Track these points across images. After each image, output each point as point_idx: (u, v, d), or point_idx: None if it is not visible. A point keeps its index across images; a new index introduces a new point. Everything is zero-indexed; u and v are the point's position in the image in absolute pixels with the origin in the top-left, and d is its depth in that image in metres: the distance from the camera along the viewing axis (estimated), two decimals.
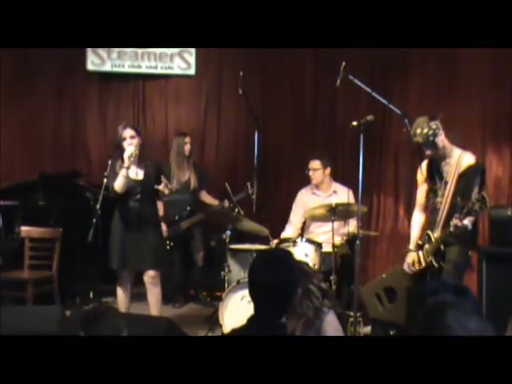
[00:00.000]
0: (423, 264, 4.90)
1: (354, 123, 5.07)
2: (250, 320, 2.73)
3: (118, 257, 5.59)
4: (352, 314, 5.36)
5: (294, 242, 5.87)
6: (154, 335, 4.07)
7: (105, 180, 5.45)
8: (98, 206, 5.39)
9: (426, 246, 4.88)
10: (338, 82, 5.44)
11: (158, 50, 8.06)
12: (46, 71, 8.05)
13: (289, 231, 6.60)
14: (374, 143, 6.97)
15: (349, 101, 7.35)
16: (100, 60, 8.10)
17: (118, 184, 5.45)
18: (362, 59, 6.62)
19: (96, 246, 5.49)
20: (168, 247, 6.97)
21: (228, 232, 6.23)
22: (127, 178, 5.46)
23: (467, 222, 4.51)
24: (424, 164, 5.07)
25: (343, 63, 5.37)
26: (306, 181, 6.64)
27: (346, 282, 6.02)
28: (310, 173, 6.48)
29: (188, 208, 7.18)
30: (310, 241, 5.94)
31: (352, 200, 6.04)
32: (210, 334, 5.92)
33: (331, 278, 5.58)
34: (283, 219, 6.80)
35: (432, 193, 5.01)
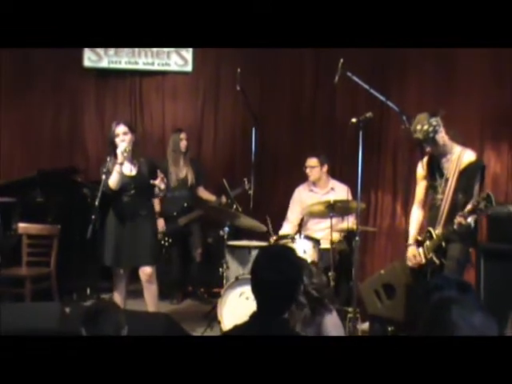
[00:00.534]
0: (423, 260, 4.91)
1: (354, 120, 5.08)
2: (253, 316, 2.73)
3: (112, 253, 5.59)
4: (350, 310, 5.39)
5: (293, 239, 5.87)
6: (153, 331, 4.09)
7: (103, 176, 5.44)
8: (96, 203, 5.38)
9: (427, 242, 4.88)
10: (337, 78, 5.44)
11: None
12: (43, 68, 8.03)
13: (286, 228, 6.61)
14: (372, 140, 6.96)
15: (347, 98, 7.36)
16: (97, 56, 8.08)
17: (113, 180, 5.46)
18: (360, 56, 6.61)
19: (95, 242, 5.50)
20: (166, 244, 6.99)
21: (226, 228, 6.22)
22: (121, 174, 5.47)
23: (471, 219, 4.52)
24: (424, 160, 5.08)
25: (341, 60, 5.38)
26: (303, 178, 6.65)
27: (345, 279, 6.05)
28: (308, 170, 6.49)
29: (185, 204, 7.18)
30: (308, 237, 5.94)
31: (350, 197, 6.06)
32: (208, 331, 5.92)
33: (329, 274, 5.60)
34: (280, 216, 6.81)
35: (432, 189, 5.02)
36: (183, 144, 7.25)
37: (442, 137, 4.79)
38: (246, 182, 6.90)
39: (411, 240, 5.08)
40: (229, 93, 7.89)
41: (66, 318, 4.54)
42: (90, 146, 8.29)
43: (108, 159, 5.55)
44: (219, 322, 5.71)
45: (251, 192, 6.86)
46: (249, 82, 7.23)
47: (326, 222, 6.12)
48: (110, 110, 8.31)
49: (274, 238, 6.14)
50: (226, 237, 6.23)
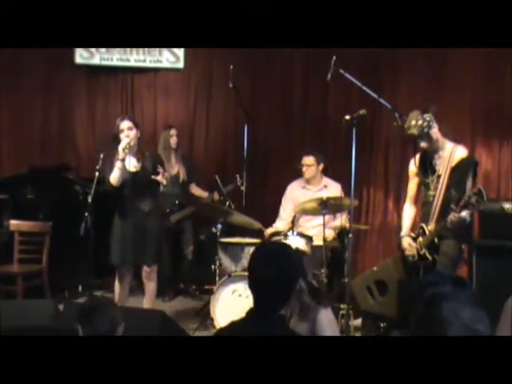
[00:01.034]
0: (415, 254, 4.93)
1: (347, 117, 5.09)
2: (249, 313, 2.74)
3: (118, 252, 5.56)
4: (343, 306, 5.41)
5: (285, 236, 5.89)
6: (149, 328, 4.09)
7: (97, 173, 5.42)
8: (89, 200, 5.36)
9: (420, 238, 4.90)
10: (329, 76, 5.42)
11: None
12: (34, 64, 8.00)
13: (279, 225, 6.61)
14: (364, 137, 6.98)
15: (338, 95, 7.37)
16: (88, 53, 8.07)
17: (114, 176, 5.42)
18: (352, 54, 6.61)
19: (88, 239, 5.48)
20: None
21: (219, 225, 6.22)
22: (123, 170, 5.42)
23: (465, 213, 4.53)
24: (416, 157, 5.10)
25: (334, 57, 5.37)
26: (295, 174, 6.65)
27: (337, 275, 6.06)
28: (304, 168, 6.48)
29: (177, 201, 7.17)
30: (300, 234, 5.95)
31: (342, 195, 6.08)
32: (201, 328, 5.92)
33: (322, 271, 5.61)
34: (272, 212, 6.82)
35: (424, 186, 5.05)
36: (173, 140, 7.24)
37: (436, 132, 4.83)
38: (238, 179, 6.90)
39: (403, 232, 5.11)
40: (221, 90, 7.89)
41: (59, 315, 4.54)
42: (81, 142, 8.29)
43: (101, 156, 5.53)
44: (212, 319, 5.72)
45: (243, 189, 6.86)
46: (241, 79, 7.22)
47: (318, 219, 6.14)
48: (102, 107, 8.31)
49: (269, 230, 6.17)
50: (218, 234, 6.23)
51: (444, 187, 4.83)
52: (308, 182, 6.55)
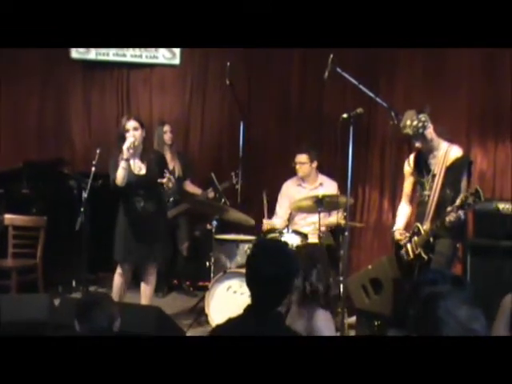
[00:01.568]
0: (411, 256, 4.95)
1: (345, 116, 5.09)
2: (248, 309, 2.75)
3: (123, 250, 5.58)
4: (338, 304, 5.41)
5: (281, 233, 5.90)
6: (145, 324, 4.11)
7: (93, 169, 5.42)
8: (85, 195, 5.36)
9: (415, 238, 4.93)
10: (326, 74, 5.41)
11: None
12: (30, 59, 7.96)
13: (275, 222, 6.59)
14: (360, 136, 6.98)
15: (335, 93, 7.37)
16: (84, 48, 8.03)
17: (118, 176, 5.39)
18: (349, 52, 6.62)
19: (83, 234, 5.48)
20: None
21: (214, 222, 6.23)
22: (127, 170, 5.40)
23: (460, 213, 4.57)
24: (411, 157, 5.13)
25: (331, 56, 5.35)
26: (291, 172, 6.64)
27: (332, 273, 6.06)
28: (297, 166, 6.47)
29: (173, 197, 7.16)
30: (296, 232, 5.97)
31: (338, 193, 6.09)
32: (195, 324, 5.93)
33: (318, 268, 5.61)
34: (268, 209, 6.81)
35: (419, 185, 5.07)
36: (167, 137, 7.22)
37: (430, 132, 4.85)
38: (234, 177, 6.90)
39: (396, 226, 5.17)
40: (216, 86, 7.91)
41: (54, 310, 4.54)
42: (76, 137, 8.28)
43: (97, 151, 5.52)
44: (206, 316, 5.73)
45: (238, 186, 6.86)
46: (237, 76, 7.23)
47: (312, 217, 6.16)
48: (97, 102, 8.30)
49: (267, 221, 6.23)
50: (214, 230, 6.23)
51: (439, 187, 4.86)
52: (304, 179, 6.54)
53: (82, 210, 5.30)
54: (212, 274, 6.06)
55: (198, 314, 6.05)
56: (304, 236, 5.90)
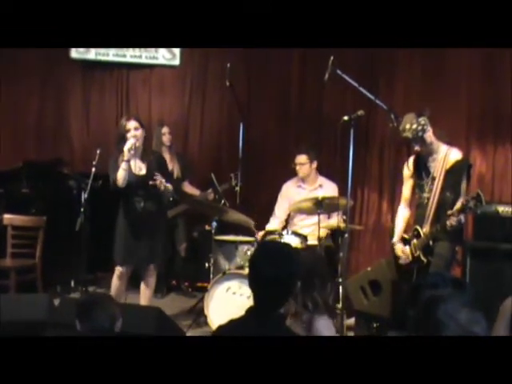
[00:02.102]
0: (410, 258, 4.96)
1: (346, 118, 5.11)
2: (249, 311, 2.75)
3: (123, 251, 5.57)
4: (337, 306, 5.43)
5: (280, 235, 5.91)
6: (146, 325, 4.11)
7: (93, 169, 5.41)
8: (85, 196, 5.36)
9: (414, 240, 4.94)
10: (327, 76, 5.41)
11: None
12: (30, 59, 7.96)
13: (274, 224, 6.61)
14: (360, 138, 6.99)
15: (334, 94, 7.37)
16: (84, 48, 8.04)
17: (119, 177, 5.38)
18: (348, 53, 6.63)
19: (83, 235, 5.48)
20: None
21: (214, 223, 6.22)
22: (128, 171, 5.39)
23: (461, 217, 4.59)
24: (411, 159, 5.13)
25: (331, 57, 5.35)
26: (290, 173, 6.64)
27: (331, 274, 6.07)
28: (297, 167, 6.47)
29: (171, 198, 7.15)
30: (295, 233, 5.98)
31: (337, 195, 6.10)
32: (194, 325, 5.94)
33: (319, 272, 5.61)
34: (267, 211, 6.82)
35: (418, 188, 5.07)
36: (166, 138, 7.23)
37: (430, 136, 4.86)
38: (233, 178, 6.89)
39: (396, 238, 5.14)
40: (216, 87, 7.91)
41: (54, 310, 4.54)
42: (75, 137, 8.29)
43: (98, 152, 5.52)
44: (205, 316, 5.73)
45: (238, 188, 6.86)
46: (237, 77, 7.22)
47: (312, 219, 6.16)
48: (96, 103, 8.31)
49: (261, 233, 6.17)
50: (213, 231, 6.24)
51: (439, 189, 4.87)
52: (303, 180, 6.55)
53: (82, 210, 5.29)
54: (211, 275, 6.06)
55: (197, 314, 6.05)
56: (303, 238, 5.90)
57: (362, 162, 7.31)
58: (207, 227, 6.46)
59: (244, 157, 7.03)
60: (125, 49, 8.04)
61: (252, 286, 2.77)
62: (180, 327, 5.01)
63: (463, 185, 4.83)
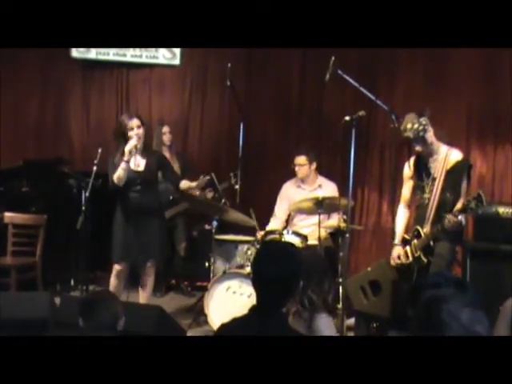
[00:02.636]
0: (410, 258, 4.97)
1: (347, 118, 5.12)
2: (252, 310, 2.77)
3: (121, 249, 5.56)
4: (337, 306, 5.43)
5: (281, 234, 5.91)
6: (147, 323, 4.12)
7: (94, 168, 5.41)
8: (87, 194, 5.36)
9: (415, 241, 4.94)
10: (328, 76, 5.42)
11: None
12: (30, 58, 7.95)
13: (274, 224, 6.61)
14: (360, 138, 6.99)
15: (334, 94, 7.38)
16: (85, 47, 8.04)
17: (118, 177, 5.39)
18: (348, 53, 6.62)
19: (85, 233, 5.48)
20: None
21: (214, 222, 6.22)
22: (127, 170, 5.40)
23: (461, 217, 4.60)
24: (411, 160, 5.14)
25: (332, 58, 5.36)
26: (290, 173, 6.64)
27: (331, 274, 6.07)
28: (296, 168, 6.47)
29: (171, 197, 7.16)
30: (296, 233, 5.98)
31: (337, 194, 6.11)
32: (194, 324, 5.94)
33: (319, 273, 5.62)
34: (266, 211, 6.83)
35: (418, 189, 5.07)
36: (166, 137, 7.23)
37: (431, 136, 4.86)
38: (233, 177, 6.90)
39: (397, 240, 5.14)
40: (216, 87, 7.92)
41: (55, 308, 4.55)
42: (75, 136, 8.30)
43: (99, 150, 5.51)
44: (205, 316, 5.74)
45: (237, 187, 6.86)
46: (237, 77, 7.23)
47: (311, 219, 6.17)
48: (97, 102, 8.32)
49: (261, 233, 6.17)
50: (213, 231, 6.24)
51: (439, 190, 4.87)
52: (303, 181, 6.55)
53: (83, 209, 5.29)
54: (211, 274, 6.06)
55: (197, 314, 6.05)
56: (304, 238, 5.91)
57: (362, 162, 7.31)
58: (207, 226, 6.46)
59: (244, 156, 7.04)
60: (125, 48, 8.03)
61: (255, 285, 2.78)
62: (181, 326, 5.02)
63: (464, 185, 4.85)
